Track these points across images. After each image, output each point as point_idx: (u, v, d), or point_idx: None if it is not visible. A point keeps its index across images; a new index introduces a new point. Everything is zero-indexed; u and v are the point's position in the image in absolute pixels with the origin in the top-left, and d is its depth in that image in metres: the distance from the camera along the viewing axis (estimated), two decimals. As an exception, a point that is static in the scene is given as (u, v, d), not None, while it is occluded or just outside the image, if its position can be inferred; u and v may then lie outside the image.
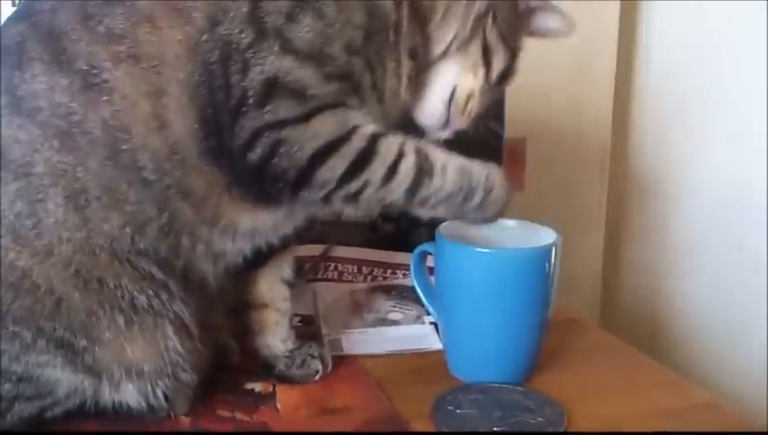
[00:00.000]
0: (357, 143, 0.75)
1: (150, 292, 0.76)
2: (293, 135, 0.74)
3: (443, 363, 0.92)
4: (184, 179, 0.75)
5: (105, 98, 0.73)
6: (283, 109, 0.73)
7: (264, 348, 0.91)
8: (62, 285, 0.74)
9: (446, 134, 0.87)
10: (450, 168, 0.78)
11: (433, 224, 0.90)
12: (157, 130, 0.73)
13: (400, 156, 0.76)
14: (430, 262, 0.94)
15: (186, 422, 0.81)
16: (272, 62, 0.73)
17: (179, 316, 0.79)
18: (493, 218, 0.84)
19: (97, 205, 0.73)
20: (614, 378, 0.92)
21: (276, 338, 0.91)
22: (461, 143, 0.86)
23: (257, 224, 0.81)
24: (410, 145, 0.77)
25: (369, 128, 0.76)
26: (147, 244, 0.76)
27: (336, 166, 0.75)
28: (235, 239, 0.81)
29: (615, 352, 1.00)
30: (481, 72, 0.86)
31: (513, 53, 0.89)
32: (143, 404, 0.79)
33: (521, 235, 0.91)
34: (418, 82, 0.84)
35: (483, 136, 0.91)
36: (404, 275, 1.18)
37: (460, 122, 0.87)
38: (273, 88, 0.73)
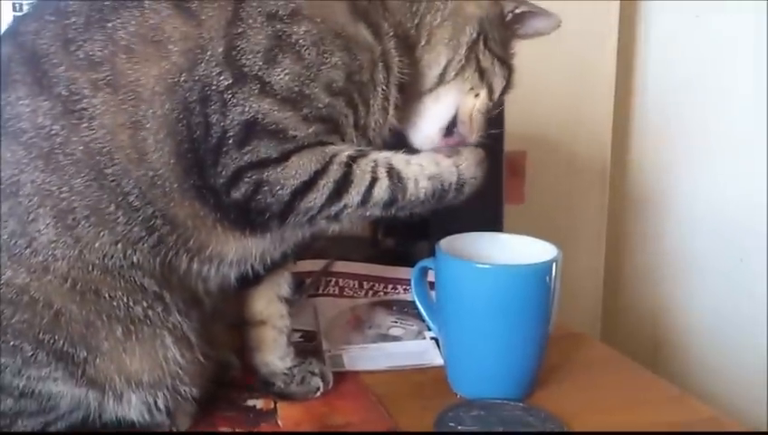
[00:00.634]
0: (334, 174, 0.77)
1: (145, 303, 0.77)
2: (274, 175, 0.75)
3: (444, 379, 0.92)
4: (168, 210, 0.76)
5: (85, 125, 0.74)
6: (263, 149, 0.75)
7: (262, 365, 0.91)
8: (60, 298, 0.74)
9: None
10: (422, 179, 0.80)
11: (434, 239, 0.91)
12: (137, 161, 0.74)
13: (373, 181, 0.78)
14: (431, 277, 0.94)
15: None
16: (251, 104, 0.74)
17: (178, 327, 0.79)
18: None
19: (85, 224, 0.74)
20: (615, 392, 0.92)
21: (274, 355, 0.91)
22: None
23: (245, 252, 0.82)
24: (383, 168, 0.79)
25: (343, 154, 0.78)
26: (140, 259, 0.76)
27: (316, 198, 0.77)
28: (221, 267, 0.82)
29: (616, 366, 1.01)
30: (483, 92, 0.87)
31: (509, 68, 0.90)
32: (146, 417, 0.79)
33: (521, 250, 0.91)
34: (411, 109, 0.86)
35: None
36: (405, 290, 1.18)
37: (471, 139, 0.88)
38: (252, 129, 0.74)
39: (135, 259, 0.76)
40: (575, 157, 1.68)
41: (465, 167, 0.82)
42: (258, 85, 0.74)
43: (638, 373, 0.98)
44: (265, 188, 0.75)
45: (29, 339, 0.74)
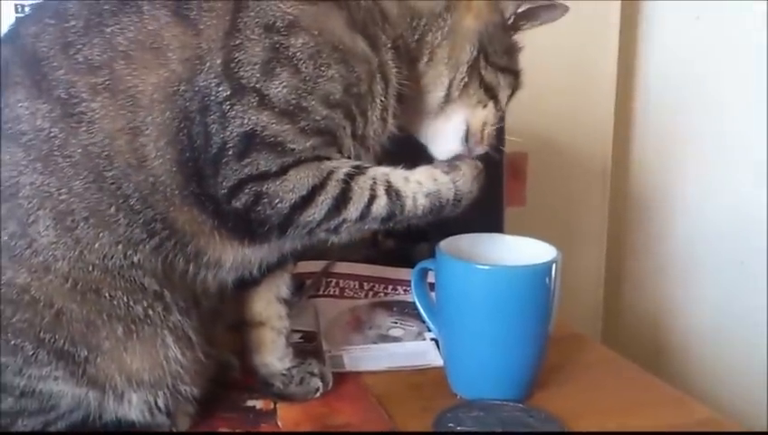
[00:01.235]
0: (332, 190, 0.77)
1: (146, 303, 0.77)
2: (273, 189, 0.76)
3: (444, 380, 0.92)
4: (168, 214, 0.76)
5: (84, 128, 0.74)
6: (263, 162, 0.75)
7: (261, 366, 0.91)
8: (61, 298, 0.74)
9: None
10: (420, 197, 0.80)
11: (434, 240, 0.91)
12: (137, 166, 0.75)
13: (372, 198, 0.79)
14: (431, 278, 0.94)
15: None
16: (250, 117, 0.74)
17: (179, 326, 0.79)
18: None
19: (85, 226, 0.74)
20: (615, 394, 0.92)
21: (273, 356, 0.91)
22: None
23: (243, 260, 0.83)
24: (381, 185, 0.79)
25: (341, 172, 0.78)
26: (141, 259, 0.76)
27: (315, 212, 0.77)
28: (219, 273, 0.82)
29: (616, 368, 1.01)
30: (490, 103, 0.88)
31: (515, 74, 0.90)
32: (146, 417, 0.79)
33: (521, 251, 0.91)
34: (425, 128, 0.88)
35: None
36: (405, 290, 1.19)
37: (481, 149, 0.89)
38: (251, 141, 0.75)
39: (136, 259, 0.76)
40: (576, 159, 1.67)
41: (463, 183, 0.83)
42: (257, 98, 0.74)
43: (639, 375, 0.98)
44: (265, 200, 0.76)
45: (30, 338, 0.74)
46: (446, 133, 0.88)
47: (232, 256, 0.81)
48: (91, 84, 0.74)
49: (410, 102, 0.86)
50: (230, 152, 0.75)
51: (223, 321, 0.91)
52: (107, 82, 0.74)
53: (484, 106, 0.88)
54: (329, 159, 0.79)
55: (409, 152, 0.87)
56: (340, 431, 0.83)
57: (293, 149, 0.76)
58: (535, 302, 0.87)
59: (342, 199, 0.78)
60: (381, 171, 0.80)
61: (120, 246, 0.75)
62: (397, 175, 0.81)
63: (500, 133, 0.93)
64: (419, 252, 1.07)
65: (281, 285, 0.92)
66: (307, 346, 1.01)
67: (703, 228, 1.59)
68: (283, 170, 0.76)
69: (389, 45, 0.82)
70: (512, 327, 0.86)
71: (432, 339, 1.02)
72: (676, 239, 1.65)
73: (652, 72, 1.70)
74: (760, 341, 1.42)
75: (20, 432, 0.77)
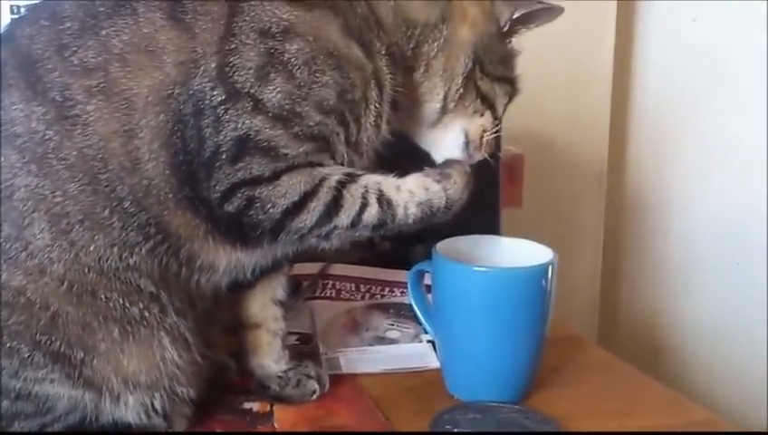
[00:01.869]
0: (324, 197, 0.78)
1: (142, 304, 0.77)
2: (266, 193, 0.76)
3: (440, 382, 0.92)
4: (162, 218, 0.76)
5: (78, 131, 0.74)
6: (256, 167, 0.75)
7: (258, 368, 0.91)
8: (57, 300, 0.74)
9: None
10: (411, 206, 0.81)
11: (430, 242, 0.91)
12: (130, 169, 0.75)
13: (363, 206, 0.79)
14: (428, 280, 0.94)
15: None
16: (244, 121, 0.74)
17: (175, 328, 0.79)
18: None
19: (80, 228, 0.74)
20: (612, 396, 0.92)
21: (269, 358, 0.91)
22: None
23: (237, 264, 0.83)
24: (373, 194, 0.80)
25: (333, 178, 0.78)
26: (137, 261, 0.76)
27: (306, 218, 0.78)
28: (213, 276, 0.82)
29: (613, 369, 1.00)
30: (487, 112, 0.89)
31: (511, 82, 0.90)
32: (143, 418, 0.79)
33: (517, 253, 0.91)
34: (425, 138, 0.89)
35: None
36: (401, 292, 1.18)
37: (479, 156, 0.90)
38: (245, 146, 0.75)
39: (131, 262, 0.76)
40: (572, 160, 1.68)
41: (454, 191, 0.83)
42: (251, 102, 0.74)
43: (636, 377, 0.98)
44: (257, 204, 0.76)
45: (26, 340, 0.74)
46: (447, 142, 0.89)
47: (225, 260, 0.81)
48: (86, 87, 0.74)
49: (406, 110, 0.86)
50: (223, 156, 0.75)
51: (219, 323, 0.91)
52: (102, 85, 0.74)
53: (482, 115, 0.89)
54: (321, 165, 0.79)
55: (399, 155, 0.88)
56: (337, 432, 0.83)
57: (286, 154, 0.76)
58: (532, 303, 0.87)
59: (334, 206, 0.78)
60: (374, 179, 0.81)
61: (115, 249, 0.75)
62: (389, 184, 0.81)
63: (497, 139, 0.93)
64: (416, 254, 1.07)
65: (277, 287, 0.92)
66: (303, 348, 1.01)
67: (699, 229, 1.59)
68: (276, 175, 0.76)
69: (384, 52, 0.82)
70: (508, 329, 0.86)
71: (429, 341, 1.02)
72: (672, 240, 1.66)
73: (648, 74, 1.70)
74: (758, 341, 1.42)
75: (17, 433, 0.77)
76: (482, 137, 0.89)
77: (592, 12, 1.61)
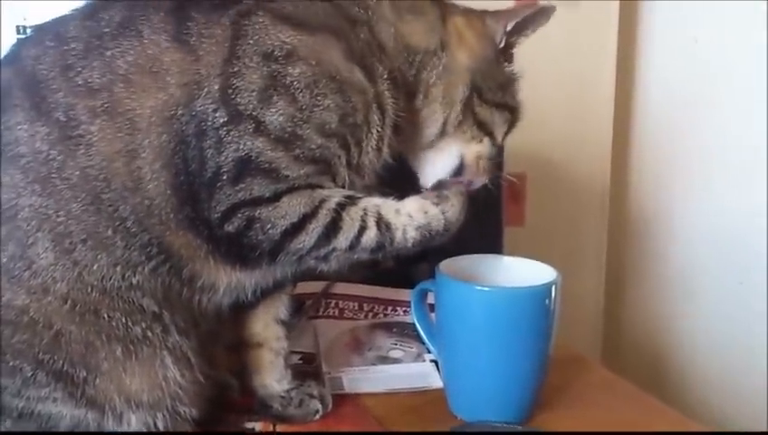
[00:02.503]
0: (323, 219, 0.78)
1: (144, 324, 0.77)
2: (266, 214, 0.76)
3: (443, 402, 0.92)
4: (164, 238, 0.77)
5: (82, 151, 0.74)
6: (257, 188, 0.76)
7: (260, 387, 0.91)
8: (60, 319, 0.75)
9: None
10: (410, 229, 0.81)
11: (434, 261, 0.91)
12: (133, 189, 0.75)
13: (362, 229, 0.79)
14: (431, 299, 0.94)
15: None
16: (245, 142, 0.75)
17: (177, 347, 0.79)
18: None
19: (83, 247, 0.75)
20: (615, 416, 0.92)
21: (271, 378, 0.91)
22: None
23: (238, 284, 0.83)
24: (372, 217, 0.80)
25: (334, 199, 0.79)
26: (140, 280, 0.77)
27: (305, 240, 0.78)
28: (213, 296, 0.82)
29: (616, 390, 1.00)
30: (486, 139, 0.89)
31: (511, 109, 0.90)
32: (145, 440, 0.79)
33: (521, 272, 0.91)
34: (417, 158, 0.89)
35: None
36: (405, 311, 1.18)
37: (479, 181, 0.90)
38: (246, 167, 0.75)
39: (134, 281, 0.76)
40: (575, 179, 1.68)
41: (452, 214, 0.83)
42: (253, 124, 0.75)
43: (639, 397, 0.98)
44: (257, 225, 0.76)
45: (29, 359, 0.74)
46: (438, 166, 0.89)
47: (225, 281, 0.81)
48: (90, 107, 0.74)
49: (406, 132, 0.86)
50: (224, 177, 0.75)
51: (222, 341, 0.91)
52: (106, 105, 0.74)
53: (480, 141, 0.89)
54: (322, 187, 0.79)
55: (400, 176, 0.88)
56: (337, 432, 0.82)
57: (287, 176, 0.76)
58: (535, 323, 0.87)
59: (333, 229, 0.78)
60: (373, 202, 0.81)
61: (118, 268, 0.75)
62: (388, 207, 0.81)
63: (499, 163, 0.93)
64: (419, 273, 1.07)
65: (279, 306, 0.92)
66: (306, 368, 1.00)
67: (702, 249, 1.59)
68: (276, 197, 0.76)
69: (386, 76, 0.82)
70: (512, 349, 0.86)
71: (432, 360, 1.02)
72: (675, 259, 1.65)
73: (650, 93, 1.70)
74: (760, 360, 1.42)
75: None
76: (478, 163, 0.89)
77: (594, 31, 1.62)
